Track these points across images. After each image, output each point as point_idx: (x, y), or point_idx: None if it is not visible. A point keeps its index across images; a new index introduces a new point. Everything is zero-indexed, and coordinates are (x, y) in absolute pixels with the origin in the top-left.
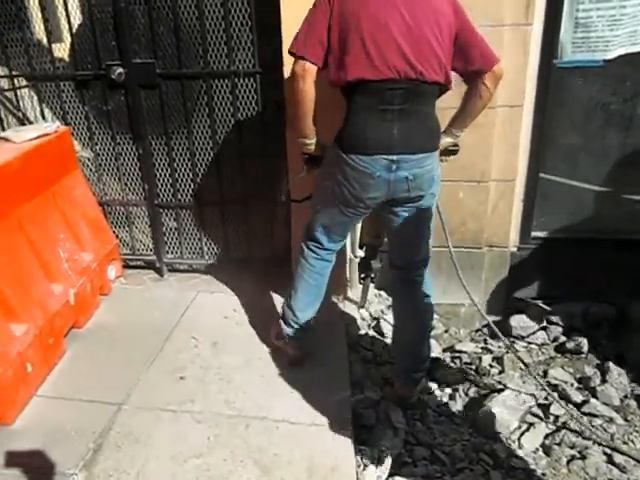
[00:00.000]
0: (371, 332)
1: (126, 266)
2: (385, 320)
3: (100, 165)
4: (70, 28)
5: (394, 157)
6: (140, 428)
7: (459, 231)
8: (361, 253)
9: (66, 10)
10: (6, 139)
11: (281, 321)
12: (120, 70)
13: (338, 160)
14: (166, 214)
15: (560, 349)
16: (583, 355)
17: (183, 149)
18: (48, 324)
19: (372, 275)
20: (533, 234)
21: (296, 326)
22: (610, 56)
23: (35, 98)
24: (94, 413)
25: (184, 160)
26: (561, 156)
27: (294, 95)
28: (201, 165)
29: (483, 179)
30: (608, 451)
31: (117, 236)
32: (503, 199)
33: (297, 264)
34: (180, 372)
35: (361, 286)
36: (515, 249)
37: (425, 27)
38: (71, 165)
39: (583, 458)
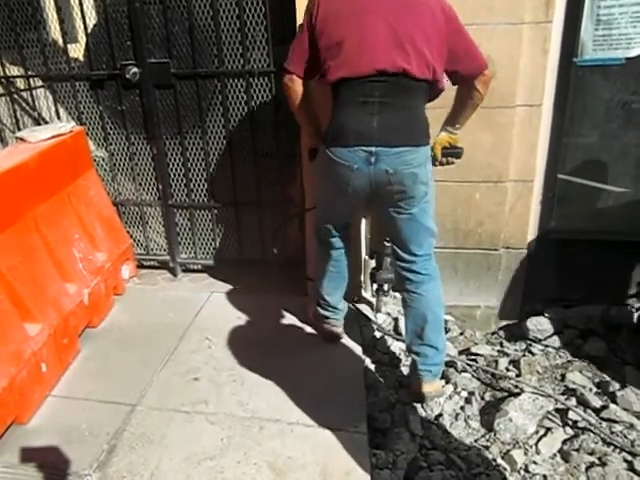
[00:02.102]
0: (387, 333)
1: (140, 266)
2: (402, 321)
3: (114, 165)
4: (85, 28)
5: (372, 149)
6: (154, 429)
7: (476, 232)
8: (373, 263)
9: (81, 10)
10: (22, 139)
11: (316, 303)
12: (135, 70)
13: (323, 155)
14: (180, 214)
15: (578, 353)
16: (601, 359)
17: (197, 149)
18: (62, 324)
19: (385, 287)
20: (551, 236)
21: (328, 307)
22: (633, 54)
23: (50, 98)
24: (108, 413)
25: (198, 160)
26: (581, 156)
27: (286, 93)
28: (215, 165)
29: (501, 179)
30: (629, 458)
31: (131, 236)
32: (521, 200)
33: (316, 256)
34: (194, 373)
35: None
36: (532, 251)
37: (410, 27)
38: (86, 165)
39: (603, 465)
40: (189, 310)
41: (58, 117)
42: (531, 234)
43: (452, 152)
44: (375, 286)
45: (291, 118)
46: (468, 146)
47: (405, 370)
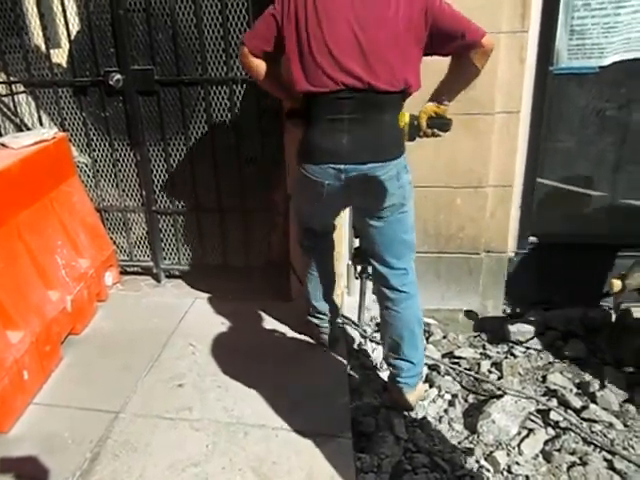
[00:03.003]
0: (371, 339)
1: (123, 272)
2: None
3: (98, 171)
4: (69, 35)
5: (341, 166)
6: (138, 436)
7: (457, 237)
8: (356, 243)
9: (65, 17)
10: (4, 145)
11: (306, 312)
12: (118, 76)
13: (297, 170)
14: (163, 220)
15: (559, 354)
16: (581, 361)
17: (181, 155)
18: (45, 331)
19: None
20: (531, 239)
21: (319, 314)
22: (605, 63)
23: (33, 104)
24: (91, 421)
25: (182, 166)
26: (558, 161)
27: (245, 68)
28: (199, 172)
29: (481, 185)
30: (609, 457)
31: (114, 242)
32: (501, 205)
33: (302, 264)
34: (178, 379)
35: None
36: (513, 254)
37: (377, 36)
38: (69, 171)
39: (584, 464)
40: (173, 316)
41: (41, 123)
42: (511, 238)
43: (438, 122)
44: (359, 268)
45: (274, 126)
46: (449, 152)
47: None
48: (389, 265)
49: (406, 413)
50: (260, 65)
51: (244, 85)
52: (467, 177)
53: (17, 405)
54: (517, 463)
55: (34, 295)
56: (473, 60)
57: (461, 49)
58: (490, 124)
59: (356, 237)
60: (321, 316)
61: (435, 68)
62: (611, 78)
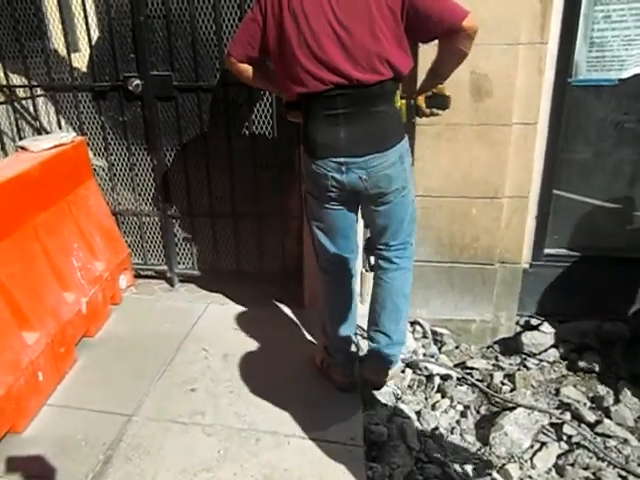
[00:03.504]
0: None
1: (137, 276)
2: None
3: (114, 175)
4: (89, 40)
5: (341, 159)
6: (150, 440)
7: (472, 247)
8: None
9: (86, 23)
10: (23, 148)
11: (324, 349)
12: (137, 82)
13: (304, 161)
14: (179, 225)
15: (572, 367)
16: (596, 374)
17: (197, 161)
18: (60, 333)
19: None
20: (546, 251)
21: (339, 353)
22: (625, 75)
23: (52, 108)
24: (104, 424)
25: (198, 172)
26: (575, 173)
27: (235, 73)
28: (215, 177)
29: (497, 195)
30: (623, 473)
31: (129, 246)
32: (516, 215)
33: (322, 293)
34: (191, 384)
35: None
36: (527, 266)
37: (359, 28)
38: (86, 175)
39: None
40: (186, 321)
41: (59, 127)
42: (526, 249)
43: (437, 101)
44: (372, 259)
45: (290, 131)
46: (465, 162)
47: (404, 384)
48: (387, 244)
49: (418, 424)
50: (247, 69)
51: (261, 91)
52: (483, 187)
53: (32, 406)
54: (530, 477)
55: (50, 297)
56: (457, 44)
57: (442, 34)
58: (507, 135)
59: (366, 227)
60: (341, 353)
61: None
62: (630, 91)
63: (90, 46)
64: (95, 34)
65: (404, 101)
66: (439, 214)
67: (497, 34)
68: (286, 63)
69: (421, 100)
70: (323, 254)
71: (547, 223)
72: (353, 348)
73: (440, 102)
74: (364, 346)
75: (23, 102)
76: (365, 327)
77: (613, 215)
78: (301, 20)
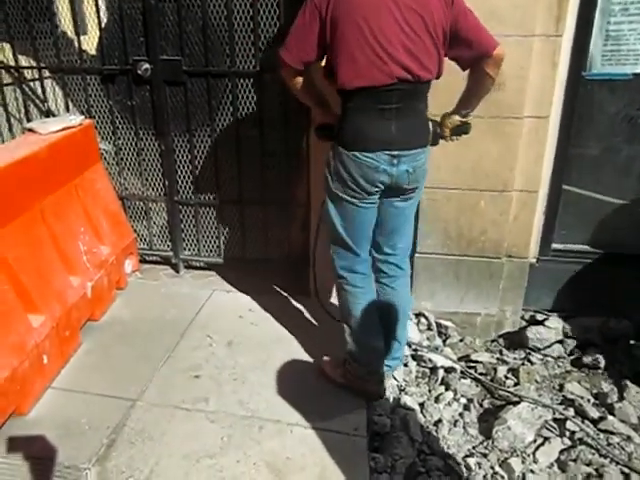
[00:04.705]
0: None
1: (142, 261)
2: None
3: (122, 159)
4: (99, 22)
5: (394, 152)
6: (154, 425)
7: (479, 240)
8: None
9: (96, 4)
10: (32, 130)
11: (351, 360)
12: (146, 66)
13: (340, 157)
14: (185, 211)
15: (576, 363)
16: (600, 370)
17: (205, 147)
18: (65, 316)
19: None
20: (553, 246)
21: (372, 357)
22: None
23: (60, 90)
24: (108, 408)
25: (206, 158)
26: (585, 169)
27: (286, 83)
28: (222, 163)
29: (506, 189)
30: (626, 470)
31: (135, 230)
32: (525, 210)
33: (342, 299)
34: (195, 370)
35: None
36: (534, 260)
37: (419, 27)
38: (94, 158)
39: (600, 477)
40: (191, 307)
41: (67, 110)
42: (534, 244)
43: (461, 130)
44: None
45: (300, 119)
46: (475, 155)
47: (407, 372)
48: (396, 245)
49: (421, 416)
50: (299, 79)
51: (272, 78)
52: (492, 180)
53: (36, 388)
54: (532, 471)
55: (56, 280)
56: (486, 69)
57: (473, 59)
58: (518, 128)
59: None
60: (372, 360)
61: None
62: None
63: (100, 28)
64: (105, 16)
65: (430, 128)
66: (447, 206)
67: (512, 25)
68: (350, 56)
69: (447, 132)
70: (349, 260)
71: (556, 218)
72: (381, 352)
73: (463, 130)
74: None
75: (31, 84)
76: None
77: (622, 211)
78: (366, 11)
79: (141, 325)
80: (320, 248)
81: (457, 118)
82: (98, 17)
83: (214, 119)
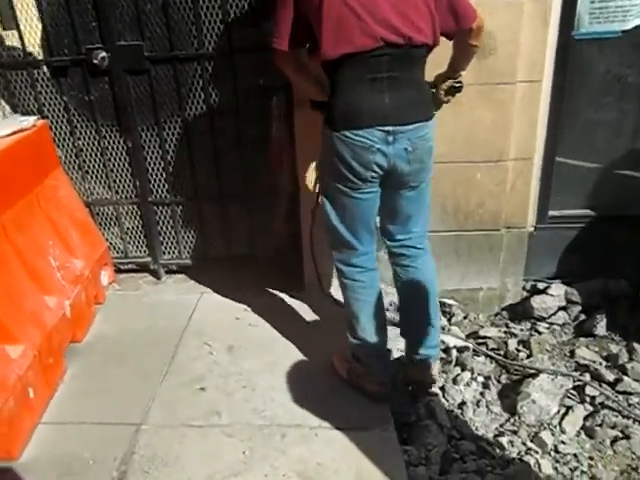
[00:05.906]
0: (393, 322)
1: (118, 270)
2: None
3: (84, 162)
4: (40, 8)
5: (389, 128)
6: (166, 449)
7: (477, 213)
8: None
9: None
10: None
11: (352, 357)
12: (103, 54)
13: (331, 142)
14: (161, 211)
15: (582, 328)
16: (606, 333)
17: (177, 140)
18: (46, 342)
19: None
20: (550, 213)
21: (375, 359)
22: (628, 26)
23: (3, 90)
24: (111, 437)
25: (179, 152)
26: (579, 132)
27: (281, 71)
28: (198, 156)
29: (502, 158)
30: None
31: (106, 238)
32: (521, 178)
33: (343, 292)
34: (199, 382)
35: None
36: (532, 229)
37: None
38: (53, 163)
39: (627, 438)
40: (180, 314)
41: (15, 111)
42: (531, 212)
43: (455, 89)
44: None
45: (281, 103)
46: (468, 125)
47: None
48: (410, 230)
49: (444, 400)
50: (293, 65)
51: (245, 59)
52: (487, 151)
53: (25, 427)
54: (563, 442)
55: (30, 302)
56: (469, 41)
57: (454, 34)
58: (511, 94)
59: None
60: (373, 358)
61: None
62: (633, 43)
63: (41, 15)
64: (44, 2)
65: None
66: (444, 180)
67: None
68: (330, 21)
69: (442, 95)
70: (347, 253)
71: (551, 184)
72: (385, 349)
73: (457, 90)
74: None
75: None
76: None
77: (616, 173)
78: None
79: (129, 341)
80: (317, 232)
81: (451, 81)
82: (38, 3)
83: (184, 109)
